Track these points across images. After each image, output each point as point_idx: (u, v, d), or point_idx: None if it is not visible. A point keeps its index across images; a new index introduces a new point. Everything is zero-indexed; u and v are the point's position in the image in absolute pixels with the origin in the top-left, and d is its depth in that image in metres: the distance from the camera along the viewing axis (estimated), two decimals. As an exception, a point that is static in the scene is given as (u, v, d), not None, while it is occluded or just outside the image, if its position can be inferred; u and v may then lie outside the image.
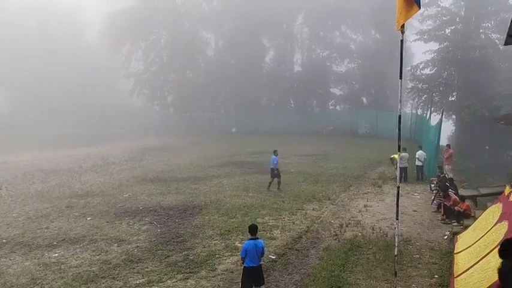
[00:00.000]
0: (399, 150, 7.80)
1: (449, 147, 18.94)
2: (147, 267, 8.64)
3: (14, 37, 48.81)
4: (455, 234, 10.01)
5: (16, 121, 47.48)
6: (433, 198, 13.70)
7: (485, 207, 11.03)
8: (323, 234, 10.65)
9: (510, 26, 7.74)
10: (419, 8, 6.55)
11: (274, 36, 46.89)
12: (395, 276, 7.17)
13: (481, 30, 31.68)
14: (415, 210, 13.02)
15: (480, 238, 8.00)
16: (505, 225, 7.41)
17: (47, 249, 9.90)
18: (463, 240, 8.98)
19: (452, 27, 32.12)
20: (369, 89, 44.60)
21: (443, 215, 11.94)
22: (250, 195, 15.09)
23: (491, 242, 7.15)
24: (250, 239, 6.86)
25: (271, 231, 10.83)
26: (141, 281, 8.00)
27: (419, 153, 17.90)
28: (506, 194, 9.05)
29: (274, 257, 9.03)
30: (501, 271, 2.00)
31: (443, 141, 22.95)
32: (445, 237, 10.39)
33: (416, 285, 7.63)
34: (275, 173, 16.00)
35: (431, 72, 33.15)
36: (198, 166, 22.57)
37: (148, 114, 51.71)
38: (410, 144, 22.53)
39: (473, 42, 29.73)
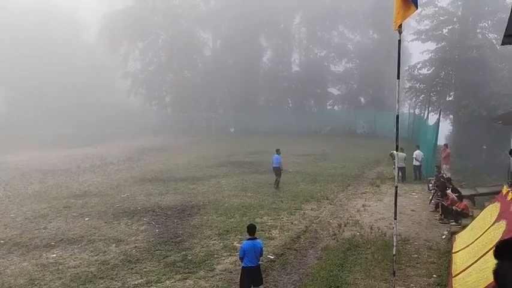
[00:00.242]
0: (397, 150, 7.82)
1: (447, 147, 18.96)
2: (145, 268, 8.63)
3: (14, 37, 48.77)
4: (453, 233, 10.03)
5: (14, 121, 47.44)
6: (431, 197, 13.73)
7: (483, 207, 11.05)
8: (321, 234, 10.65)
9: (507, 26, 7.76)
10: (417, 8, 6.55)
11: (271, 36, 46.92)
12: (394, 275, 7.17)
13: (478, 30, 31.77)
14: (413, 210, 13.04)
15: (478, 237, 8.02)
16: (502, 224, 7.43)
17: (45, 250, 9.87)
18: (461, 239, 9.00)
19: (450, 27, 32.23)
20: (366, 88, 44.68)
21: (441, 215, 11.96)
22: (249, 195, 15.09)
23: (489, 242, 7.17)
24: (249, 239, 6.86)
25: (269, 231, 10.82)
26: (139, 281, 7.99)
27: (417, 153, 17.92)
28: (503, 193, 9.07)
29: (272, 257, 9.03)
30: (496, 272, 2.00)
31: (441, 141, 23.02)
32: (443, 236, 10.41)
33: (415, 285, 7.64)
34: (279, 172, 16.18)
35: (429, 72, 33.25)
36: (196, 166, 22.56)
37: (146, 114, 51.69)
38: (408, 144, 22.60)
39: (470, 42, 29.82)
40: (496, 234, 7.25)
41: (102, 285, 7.84)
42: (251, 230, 6.93)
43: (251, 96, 45.64)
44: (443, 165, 17.53)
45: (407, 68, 34.45)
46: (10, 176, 20.46)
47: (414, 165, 17.96)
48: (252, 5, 43.13)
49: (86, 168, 22.85)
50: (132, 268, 8.62)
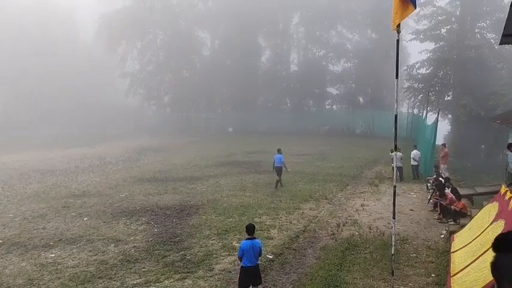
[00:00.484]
0: (395, 150, 7.83)
1: (445, 147, 18.98)
2: (144, 267, 8.63)
3: (13, 37, 48.68)
4: (451, 233, 10.05)
5: (13, 121, 47.37)
6: (429, 197, 13.75)
7: (481, 206, 11.07)
8: (320, 233, 10.66)
9: (505, 25, 7.78)
10: (415, 7, 6.56)
11: (270, 36, 46.91)
12: (392, 275, 7.18)
13: (476, 30, 31.85)
14: (412, 210, 13.06)
15: (476, 237, 8.04)
16: (501, 224, 7.45)
17: (44, 250, 9.87)
18: (460, 239, 9.02)
19: (448, 27, 32.30)
20: (365, 88, 44.69)
21: (439, 214, 11.98)
22: (248, 195, 15.09)
23: (488, 241, 7.18)
24: (248, 238, 6.86)
25: (268, 230, 10.83)
26: (138, 281, 7.99)
27: (414, 153, 17.94)
28: (502, 193, 9.09)
29: (271, 257, 9.04)
30: (494, 265, 2.01)
31: (440, 141, 23.04)
32: (442, 236, 10.43)
33: (413, 284, 7.66)
34: (280, 171, 16.23)
35: (427, 71, 33.32)
36: (195, 166, 22.55)
37: (145, 114, 51.64)
38: (406, 144, 22.62)
39: (468, 41, 29.88)
40: (495, 233, 7.26)
41: (100, 285, 7.84)
42: (250, 229, 6.93)
43: (250, 96, 45.63)
44: (441, 165, 17.55)
45: (406, 67, 34.51)
46: (8, 176, 20.43)
47: (412, 165, 17.99)
48: (251, 5, 43.10)
49: (84, 168, 22.83)
50: (131, 268, 8.62)
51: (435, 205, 12.66)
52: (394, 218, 7.15)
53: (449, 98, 32.97)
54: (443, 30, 32.41)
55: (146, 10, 47.06)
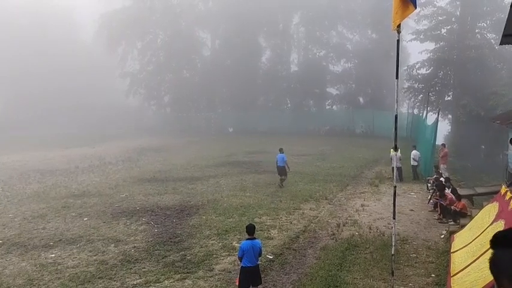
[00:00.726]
0: (395, 150, 7.83)
1: (444, 147, 18.99)
2: (144, 268, 8.62)
3: (13, 37, 48.73)
4: (451, 233, 10.04)
5: (13, 121, 47.37)
6: (429, 197, 13.75)
7: (481, 207, 11.07)
8: (320, 233, 10.66)
9: (505, 25, 7.77)
10: (415, 7, 6.55)
11: (270, 36, 46.92)
12: (393, 275, 7.18)
13: (476, 30, 31.86)
14: (412, 210, 13.05)
15: (477, 237, 8.04)
16: (501, 224, 7.44)
17: (44, 250, 9.86)
18: (460, 239, 9.01)
19: (448, 27, 32.32)
20: (365, 88, 44.71)
21: (439, 214, 11.98)
22: (248, 195, 15.09)
23: (488, 241, 7.15)
24: (248, 239, 6.86)
25: (268, 231, 10.82)
26: (138, 281, 7.98)
27: (414, 153, 17.93)
28: (502, 193, 9.09)
29: (271, 257, 9.03)
30: (493, 261, 2.01)
31: (440, 141, 23.04)
32: (442, 236, 10.43)
33: (413, 284, 7.65)
34: (284, 171, 16.22)
35: (428, 72, 33.34)
36: (195, 166, 22.54)
37: (145, 114, 51.62)
38: (406, 144, 22.62)
39: (469, 42, 29.90)
40: (495, 233, 7.25)
41: (100, 285, 7.84)
42: (250, 229, 6.93)
43: (250, 96, 45.64)
44: (441, 165, 17.55)
45: (406, 67, 34.52)
46: (8, 176, 20.42)
47: (412, 165, 17.99)
48: (251, 5, 43.12)
49: (84, 168, 22.82)
50: (131, 268, 8.61)
51: (435, 205, 12.65)
52: (394, 218, 7.14)
53: (449, 98, 32.99)
54: (443, 31, 32.42)
55: (146, 10, 47.07)
